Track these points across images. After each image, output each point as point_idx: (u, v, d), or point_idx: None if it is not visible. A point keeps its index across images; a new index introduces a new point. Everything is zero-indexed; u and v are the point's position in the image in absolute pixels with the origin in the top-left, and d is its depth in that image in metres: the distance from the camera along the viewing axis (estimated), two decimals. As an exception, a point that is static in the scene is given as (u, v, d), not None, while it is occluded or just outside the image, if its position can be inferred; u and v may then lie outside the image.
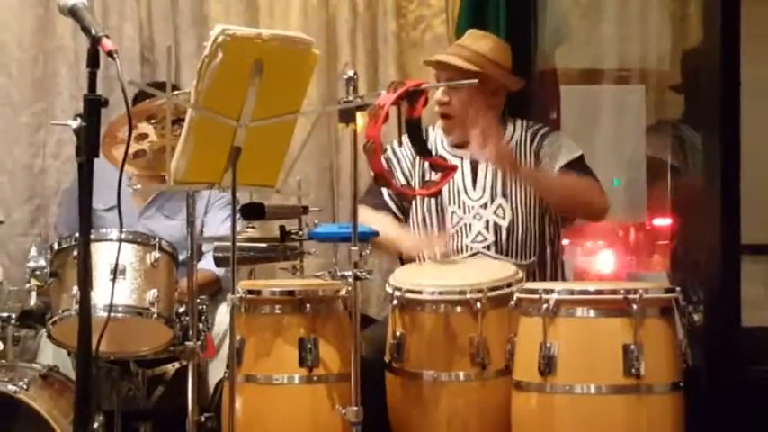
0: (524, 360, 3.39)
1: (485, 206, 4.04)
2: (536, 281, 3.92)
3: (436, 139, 4.16)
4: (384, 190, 4.06)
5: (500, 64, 4.11)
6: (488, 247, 4.01)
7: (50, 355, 4.16)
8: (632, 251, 5.08)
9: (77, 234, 2.80)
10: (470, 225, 4.04)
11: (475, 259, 3.99)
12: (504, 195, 4.04)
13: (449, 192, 4.05)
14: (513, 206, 4.03)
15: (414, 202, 4.11)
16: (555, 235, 4.14)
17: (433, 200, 4.05)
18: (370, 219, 3.79)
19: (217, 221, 4.40)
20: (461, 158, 4.08)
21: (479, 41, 4.13)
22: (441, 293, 3.53)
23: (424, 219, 4.09)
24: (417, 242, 3.93)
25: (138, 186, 4.08)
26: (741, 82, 4.08)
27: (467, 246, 4.03)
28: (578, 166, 4.07)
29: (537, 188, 4.01)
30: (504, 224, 4.02)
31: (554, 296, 3.33)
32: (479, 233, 4.02)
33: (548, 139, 4.09)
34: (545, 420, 3.34)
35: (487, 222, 4.02)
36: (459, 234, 4.04)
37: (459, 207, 4.06)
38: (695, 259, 4.42)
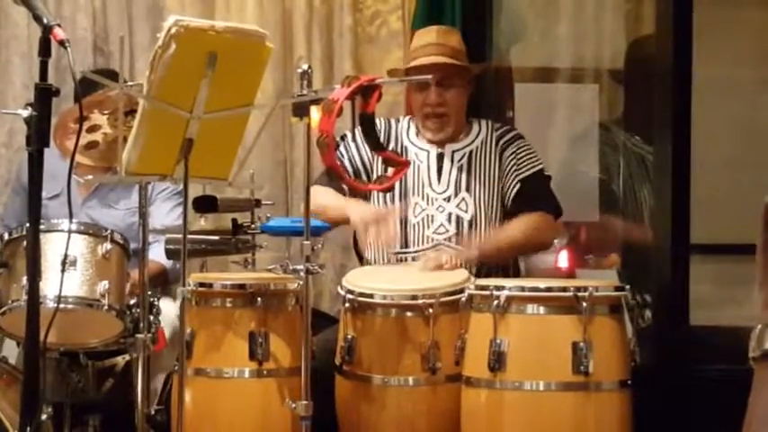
0: (474, 356, 3.40)
1: (448, 199, 4.06)
2: (496, 276, 3.95)
3: (401, 131, 4.16)
4: None
5: (466, 55, 4.15)
6: (450, 239, 4.02)
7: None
8: (584, 249, 5.10)
9: (28, 224, 2.78)
10: (433, 216, 4.05)
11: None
12: (467, 190, 4.06)
13: (413, 183, 4.07)
14: (477, 201, 4.05)
15: (372, 193, 4.11)
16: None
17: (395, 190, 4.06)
18: (317, 193, 3.79)
19: (162, 212, 4.35)
20: (427, 152, 4.10)
21: (450, 36, 4.14)
22: (393, 298, 3.54)
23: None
24: (366, 215, 3.85)
25: (90, 177, 4.04)
26: (693, 82, 4.12)
27: (428, 237, 4.04)
28: (536, 183, 4.08)
29: (496, 256, 4.01)
30: (467, 217, 4.04)
31: (505, 293, 3.35)
32: (441, 225, 4.04)
33: (512, 145, 4.10)
34: (494, 416, 3.36)
35: (450, 215, 4.04)
36: (421, 225, 4.05)
37: (422, 198, 4.07)
38: (645, 258, 4.45)
